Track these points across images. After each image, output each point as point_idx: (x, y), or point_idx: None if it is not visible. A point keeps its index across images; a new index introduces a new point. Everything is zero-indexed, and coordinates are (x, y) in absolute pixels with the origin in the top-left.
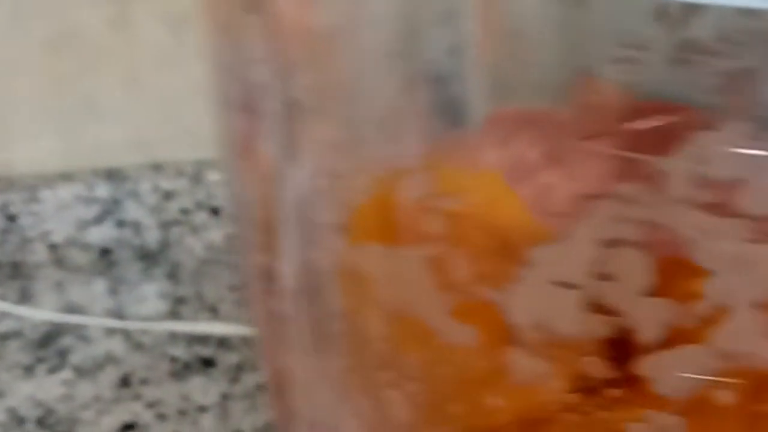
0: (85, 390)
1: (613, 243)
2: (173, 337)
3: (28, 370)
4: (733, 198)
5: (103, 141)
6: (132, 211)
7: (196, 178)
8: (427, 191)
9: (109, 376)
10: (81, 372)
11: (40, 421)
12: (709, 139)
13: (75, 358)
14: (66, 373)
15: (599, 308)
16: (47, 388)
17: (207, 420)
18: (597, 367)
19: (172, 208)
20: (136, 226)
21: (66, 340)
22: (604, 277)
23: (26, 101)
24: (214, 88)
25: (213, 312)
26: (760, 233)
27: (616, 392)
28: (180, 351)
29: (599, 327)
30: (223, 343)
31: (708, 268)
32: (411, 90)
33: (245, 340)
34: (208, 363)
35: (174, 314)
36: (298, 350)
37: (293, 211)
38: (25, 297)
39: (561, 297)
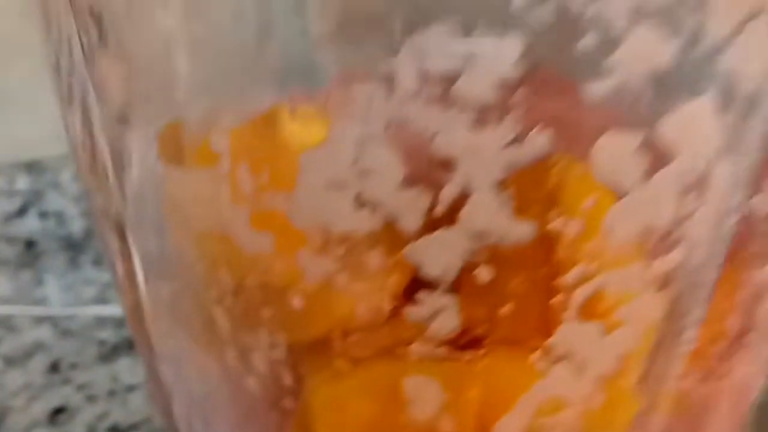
0: (15, 378)
1: (365, 141)
2: (101, 321)
3: None
4: (452, 90)
5: (21, 133)
6: (54, 201)
7: None
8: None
9: (39, 363)
10: (10, 361)
11: None
12: (423, 37)
13: (4, 348)
14: None
15: (365, 204)
16: None
17: (135, 398)
18: (376, 261)
19: None
20: (60, 217)
21: None
22: (365, 173)
23: None
24: (53, 86)
25: None
26: (479, 120)
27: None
28: (107, 334)
29: (369, 221)
30: None
31: (448, 156)
32: (259, 48)
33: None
34: (135, 344)
35: (101, 300)
36: (142, 285)
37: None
38: None
39: (332, 197)
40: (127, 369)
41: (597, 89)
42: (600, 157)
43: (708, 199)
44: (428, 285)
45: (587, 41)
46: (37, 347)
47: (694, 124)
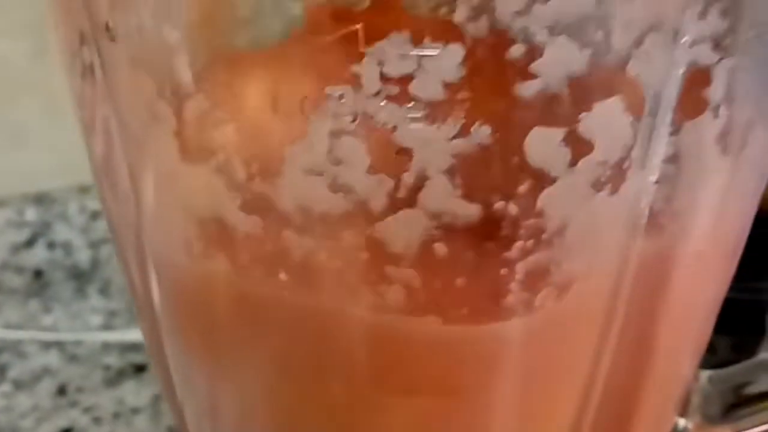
0: (24, 401)
1: (337, 134)
2: (106, 347)
3: None
4: (407, 89)
5: (30, 167)
6: (62, 232)
7: None
8: (205, 110)
9: (46, 387)
10: (19, 385)
11: None
12: (382, 46)
13: (13, 373)
14: (5, 387)
15: (339, 188)
16: None
17: (140, 420)
18: (352, 239)
19: (100, 228)
20: (67, 247)
21: (4, 357)
22: (337, 162)
23: None
24: (77, 118)
25: None
26: (429, 116)
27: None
28: (113, 359)
29: (342, 203)
30: None
31: (406, 145)
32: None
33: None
34: (140, 368)
35: (106, 326)
36: (158, 304)
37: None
38: None
39: (312, 183)
40: (132, 392)
41: (525, 89)
42: (532, 148)
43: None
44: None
45: (515, 49)
46: (45, 372)
47: (608, 121)
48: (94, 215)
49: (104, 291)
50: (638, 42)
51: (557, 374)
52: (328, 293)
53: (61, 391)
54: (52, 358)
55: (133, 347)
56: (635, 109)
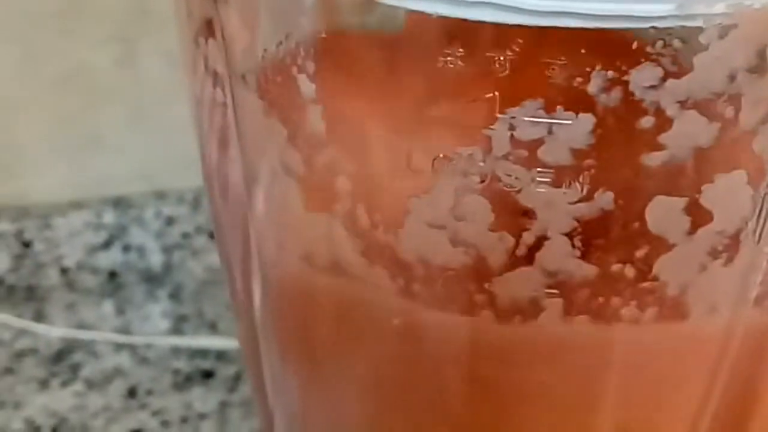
0: (96, 401)
1: (463, 191)
2: (176, 351)
3: (43, 384)
4: (535, 153)
5: (110, 171)
6: (137, 236)
7: (196, 205)
8: (335, 159)
9: (117, 387)
10: (91, 384)
11: (55, 430)
12: (515, 112)
13: (86, 372)
14: (78, 386)
15: (459, 243)
16: (61, 399)
17: (207, 426)
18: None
19: (174, 233)
20: (141, 251)
21: (77, 356)
22: (460, 218)
23: (39, 136)
24: (193, 119)
25: (212, 328)
26: (555, 180)
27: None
28: (182, 364)
29: (462, 258)
30: (221, 356)
31: (530, 206)
32: None
33: (241, 353)
34: (207, 374)
35: (176, 330)
36: (258, 307)
37: (259, 232)
38: (39, 317)
39: (433, 236)
40: (200, 398)
41: (651, 160)
42: (653, 215)
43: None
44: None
45: (645, 121)
46: (116, 372)
47: (730, 193)
48: (169, 221)
49: (175, 296)
50: (765, 119)
51: (660, 411)
52: (430, 313)
53: (132, 392)
54: (124, 360)
55: (202, 353)
56: (756, 182)
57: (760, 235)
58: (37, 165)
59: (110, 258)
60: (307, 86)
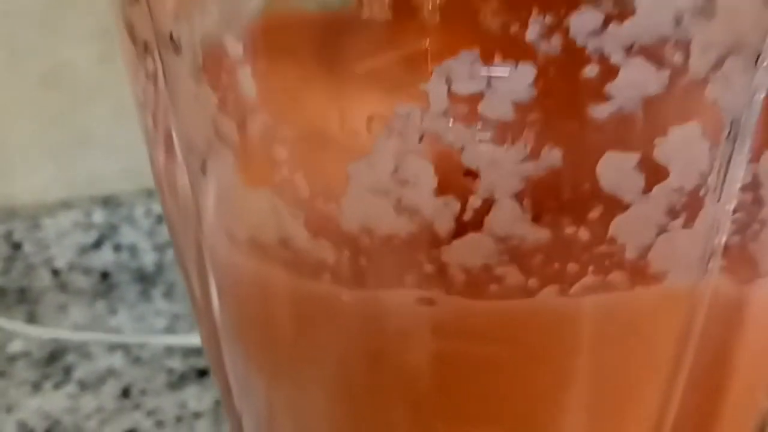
0: (89, 402)
1: (403, 153)
2: (169, 350)
3: (36, 386)
4: (476, 109)
5: (99, 170)
6: (128, 235)
7: None
8: (269, 125)
9: (111, 388)
10: (84, 386)
11: None
12: (450, 64)
13: (79, 373)
14: (71, 388)
15: (404, 209)
16: (54, 401)
17: (202, 425)
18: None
19: (166, 231)
20: (133, 250)
21: (70, 358)
22: (403, 182)
23: (25, 136)
24: (141, 127)
25: None
26: (498, 137)
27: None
28: (176, 363)
29: (407, 225)
30: None
31: (473, 167)
32: None
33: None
34: (202, 373)
35: (170, 330)
36: (217, 310)
37: (209, 229)
38: (31, 319)
39: (376, 203)
40: (194, 396)
41: (599, 111)
42: (605, 173)
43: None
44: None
45: (589, 69)
46: (110, 373)
47: (685, 147)
48: (160, 219)
49: (168, 294)
50: (717, 65)
51: (631, 382)
52: (383, 292)
53: (125, 393)
54: (117, 360)
55: (196, 351)
56: (713, 134)
57: (721, 192)
58: (24, 165)
59: (102, 258)
60: (234, 48)
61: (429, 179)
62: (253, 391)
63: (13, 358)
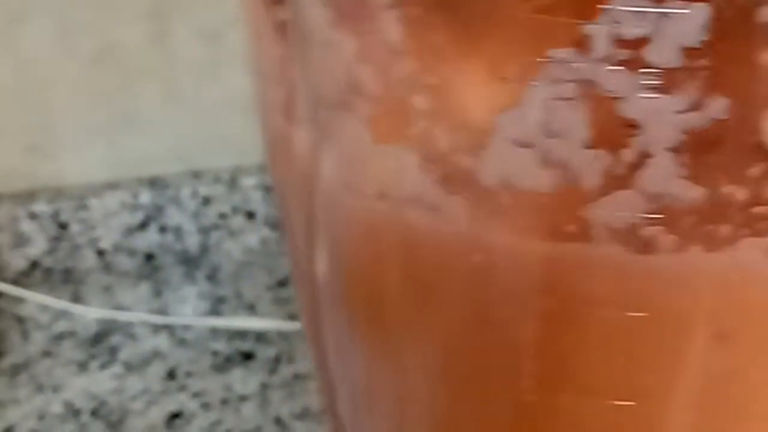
0: (135, 383)
1: (555, 103)
2: (214, 333)
3: (82, 366)
4: (641, 54)
5: (146, 151)
6: (173, 216)
7: (232, 184)
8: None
9: (156, 370)
10: (130, 367)
11: (94, 413)
12: (618, 2)
13: (124, 355)
14: (116, 368)
15: (550, 163)
16: (100, 382)
17: (248, 408)
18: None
19: (211, 213)
20: (178, 232)
21: (115, 338)
22: (552, 134)
23: (73, 116)
24: (253, 93)
25: (251, 309)
26: (665, 84)
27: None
28: (221, 346)
29: (552, 180)
30: (261, 337)
31: (632, 119)
32: None
33: (281, 334)
34: (247, 356)
35: (215, 312)
36: (331, 329)
37: (323, 203)
38: (76, 299)
39: (520, 156)
40: (240, 380)
41: None
42: None
43: None
44: None
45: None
46: (155, 355)
47: None
48: (206, 201)
49: (212, 277)
50: None
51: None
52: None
53: (171, 375)
54: (162, 342)
55: (241, 335)
56: None
57: None
58: (71, 146)
59: (147, 239)
60: None
61: (581, 130)
62: (354, 360)
63: (59, 338)
